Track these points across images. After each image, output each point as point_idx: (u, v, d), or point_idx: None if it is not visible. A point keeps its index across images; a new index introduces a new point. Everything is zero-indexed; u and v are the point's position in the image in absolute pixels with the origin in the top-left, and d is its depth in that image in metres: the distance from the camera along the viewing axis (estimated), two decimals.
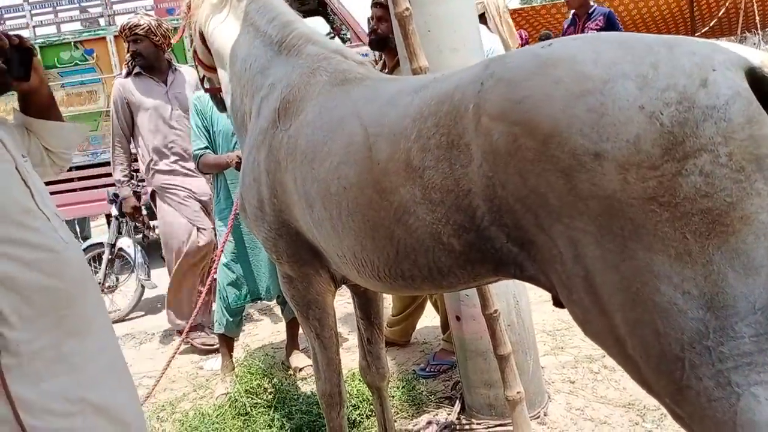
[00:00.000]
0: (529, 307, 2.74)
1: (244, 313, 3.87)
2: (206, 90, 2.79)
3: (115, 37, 7.25)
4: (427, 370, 3.45)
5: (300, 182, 1.81)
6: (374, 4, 3.41)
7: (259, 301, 4.00)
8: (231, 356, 3.81)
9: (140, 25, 4.26)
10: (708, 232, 1.02)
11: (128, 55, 4.54)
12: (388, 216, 1.52)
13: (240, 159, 3.08)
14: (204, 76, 2.72)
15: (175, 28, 4.58)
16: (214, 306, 3.82)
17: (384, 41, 3.37)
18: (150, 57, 4.43)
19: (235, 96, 2.30)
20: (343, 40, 7.74)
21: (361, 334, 2.52)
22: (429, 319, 4.07)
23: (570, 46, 1.22)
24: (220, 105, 2.74)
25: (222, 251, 3.46)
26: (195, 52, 2.56)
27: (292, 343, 3.92)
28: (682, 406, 1.09)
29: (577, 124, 1.10)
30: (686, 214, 1.03)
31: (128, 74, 4.53)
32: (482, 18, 4.37)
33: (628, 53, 1.12)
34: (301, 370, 3.73)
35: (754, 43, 12.43)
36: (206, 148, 3.55)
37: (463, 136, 1.33)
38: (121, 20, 7.62)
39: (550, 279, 1.27)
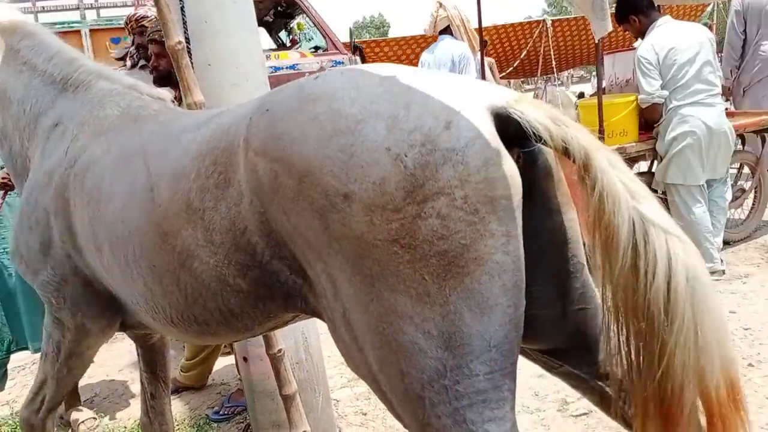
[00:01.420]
0: (319, 343, 2.73)
1: (9, 365, 3.45)
2: None
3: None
4: (221, 413, 3.30)
5: (88, 224, 1.68)
6: (150, 41, 3.30)
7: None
8: None
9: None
10: (445, 274, 1.05)
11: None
12: (172, 261, 1.45)
13: (8, 176, 2.79)
14: None
15: None
16: None
17: (166, 77, 3.25)
18: None
19: (13, 141, 2.09)
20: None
21: (144, 388, 2.37)
22: (230, 358, 3.92)
23: (334, 81, 1.20)
24: None
25: None
26: None
27: (72, 396, 3.54)
28: None
29: (329, 165, 1.10)
30: (425, 256, 1.05)
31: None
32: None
33: (386, 92, 1.12)
34: (81, 424, 3.38)
35: (554, 85, 13.78)
36: None
37: (237, 172, 1.29)
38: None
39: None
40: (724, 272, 4.47)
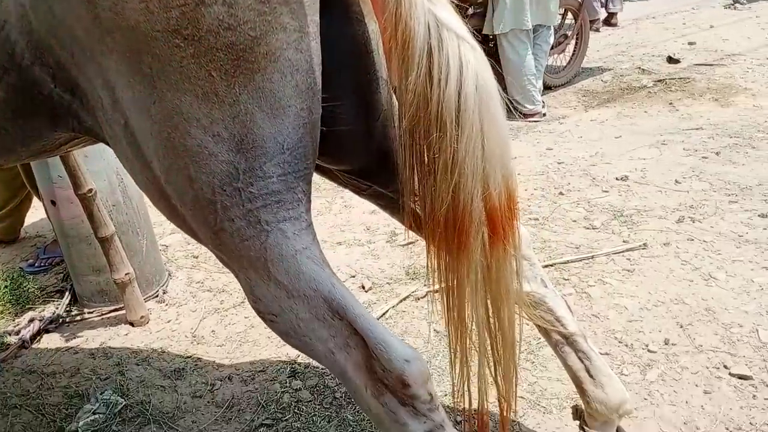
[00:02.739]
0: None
1: None
2: None
3: None
4: (36, 265, 3.09)
5: None
6: None
7: None
8: None
9: None
10: (234, 70, 0.97)
11: None
12: None
13: None
14: None
15: None
16: None
17: None
18: None
19: None
20: None
21: None
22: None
23: None
24: None
25: None
26: None
27: None
28: (221, 249, 1.08)
29: None
30: (211, 49, 0.95)
31: None
32: None
33: None
34: None
35: None
36: None
37: None
38: None
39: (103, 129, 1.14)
40: (545, 114, 4.74)
